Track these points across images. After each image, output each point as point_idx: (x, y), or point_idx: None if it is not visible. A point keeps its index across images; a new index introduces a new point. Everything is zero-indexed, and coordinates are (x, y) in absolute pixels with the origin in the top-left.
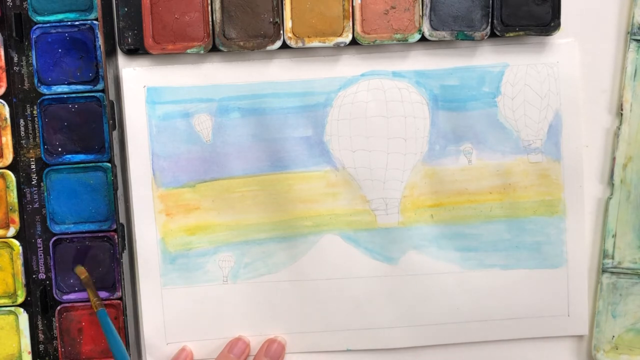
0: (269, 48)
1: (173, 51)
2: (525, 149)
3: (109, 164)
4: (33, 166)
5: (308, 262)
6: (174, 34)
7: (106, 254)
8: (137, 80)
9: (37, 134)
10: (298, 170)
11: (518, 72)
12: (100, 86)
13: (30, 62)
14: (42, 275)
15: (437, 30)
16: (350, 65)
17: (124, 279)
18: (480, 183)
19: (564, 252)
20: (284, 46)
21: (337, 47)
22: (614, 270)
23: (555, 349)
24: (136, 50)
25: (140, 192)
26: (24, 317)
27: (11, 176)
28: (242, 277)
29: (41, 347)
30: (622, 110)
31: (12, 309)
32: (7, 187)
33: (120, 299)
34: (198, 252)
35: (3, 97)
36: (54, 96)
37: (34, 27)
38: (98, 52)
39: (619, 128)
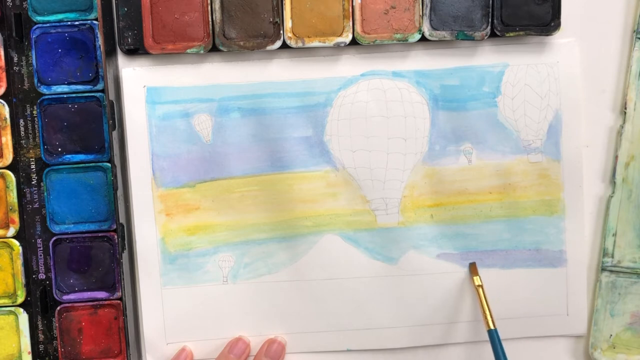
0: (269, 48)
1: (173, 51)
2: (525, 148)
3: (109, 164)
4: (33, 166)
5: (308, 262)
6: (174, 34)
7: (106, 254)
8: (137, 80)
9: (37, 134)
10: (298, 170)
11: (518, 72)
12: (100, 86)
13: (30, 62)
14: (42, 276)
15: (437, 30)
16: (350, 65)
17: (124, 279)
18: (480, 183)
19: (563, 251)
20: (284, 46)
21: (337, 47)
22: (614, 269)
23: (553, 347)
24: (136, 50)
25: (140, 192)
26: (24, 317)
27: (11, 176)
28: (242, 277)
29: (41, 347)
30: (625, 108)
31: (12, 309)
32: (7, 187)
33: (120, 299)
34: (198, 252)
35: (3, 97)
36: (54, 96)
37: (34, 27)
38: (98, 52)
39: (622, 127)
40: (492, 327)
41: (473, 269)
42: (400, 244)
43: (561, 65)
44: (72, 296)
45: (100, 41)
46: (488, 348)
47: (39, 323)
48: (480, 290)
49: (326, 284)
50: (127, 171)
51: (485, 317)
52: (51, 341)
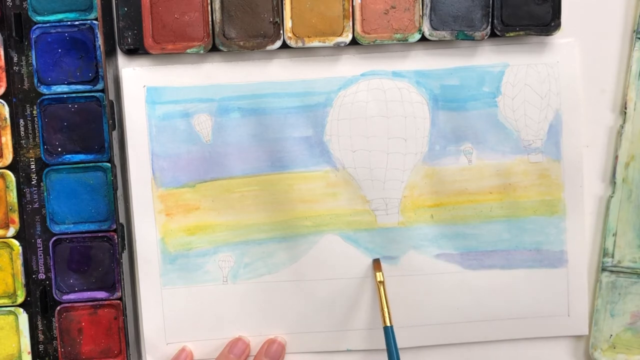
0: (269, 48)
1: (173, 51)
2: (526, 148)
3: (108, 164)
4: (33, 166)
5: (308, 262)
6: (173, 33)
7: (106, 254)
8: (137, 80)
9: (37, 134)
10: (298, 170)
11: (518, 72)
12: (100, 86)
13: (30, 62)
14: (41, 276)
15: (437, 30)
16: (350, 65)
17: (124, 279)
18: (480, 183)
19: (564, 252)
20: (284, 46)
21: (337, 47)
22: (614, 269)
23: (553, 347)
24: (136, 50)
25: (140, 192)
26: (23, 317)
27: (11, 176)
28: (242, 277)
29: (41, 347)
30: (625, 108)
31: (12, 309)
32: (7, 187)
33: (120, 299)
34: (198, 252)
35: (3, 97)
36: (53, 96)
37: (34, 27)
38: (98, 52)
39: (622, 127)
40: (388, 324)
41: (376, 266)
42: (400, 244)
43: (561, 65)
44: (72, 296)
45: (100, 41)
46: (489, 348)
47: (39, 323)
48: (382, 287)
49: (326, 283)
50: (127, 171)
51: (384, 314)
52: (51, 341)
